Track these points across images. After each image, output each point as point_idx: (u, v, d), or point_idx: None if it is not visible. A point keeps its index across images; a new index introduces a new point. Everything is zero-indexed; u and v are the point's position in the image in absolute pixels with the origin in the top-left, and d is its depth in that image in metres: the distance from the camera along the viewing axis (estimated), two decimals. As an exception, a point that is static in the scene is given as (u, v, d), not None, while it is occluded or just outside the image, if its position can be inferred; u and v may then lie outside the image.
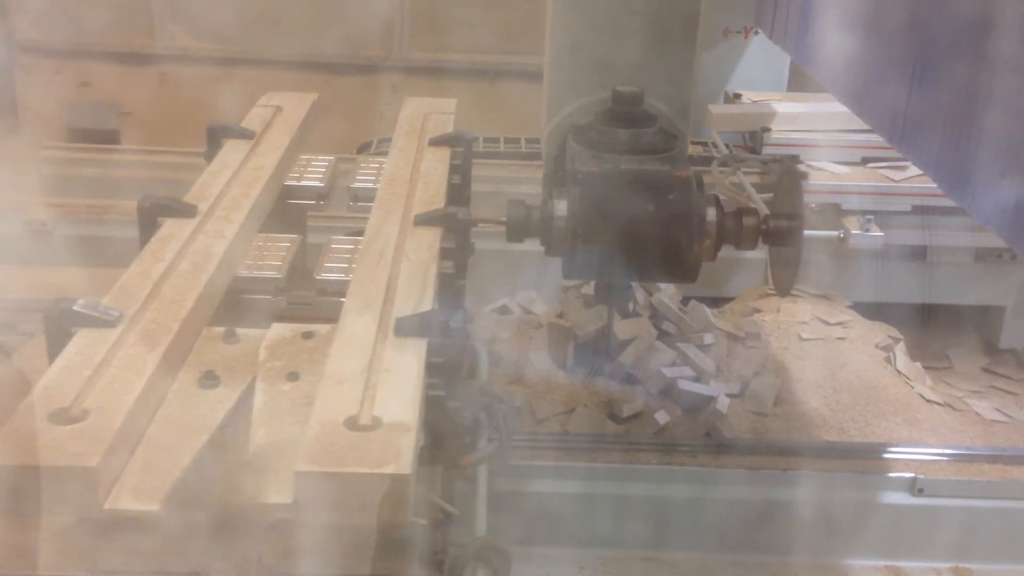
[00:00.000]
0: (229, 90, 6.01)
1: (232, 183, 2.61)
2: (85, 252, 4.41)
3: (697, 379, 4.08)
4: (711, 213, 2.84)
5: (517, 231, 2.89)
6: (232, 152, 2.80)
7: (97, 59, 6.36)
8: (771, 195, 3.20)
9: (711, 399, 3.98)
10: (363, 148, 5.44)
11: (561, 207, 2.85)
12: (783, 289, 3.10)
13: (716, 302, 4.73)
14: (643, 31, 3.31)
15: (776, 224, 2.94)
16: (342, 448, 1.61)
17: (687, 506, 3.73)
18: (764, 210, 3.08)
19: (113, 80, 6.40)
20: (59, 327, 1.90)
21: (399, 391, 1.77)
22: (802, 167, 4.90)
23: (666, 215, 2.81)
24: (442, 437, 1.90)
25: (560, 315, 4.33)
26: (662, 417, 3.92)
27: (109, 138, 6.31)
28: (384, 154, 3.06)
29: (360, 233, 2.45)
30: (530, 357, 4.18)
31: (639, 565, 3.77)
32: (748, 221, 2.91)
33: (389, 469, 1.56)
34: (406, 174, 2.75)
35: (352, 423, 1.68)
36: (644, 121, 3.15)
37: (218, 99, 5.94)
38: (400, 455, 1.59)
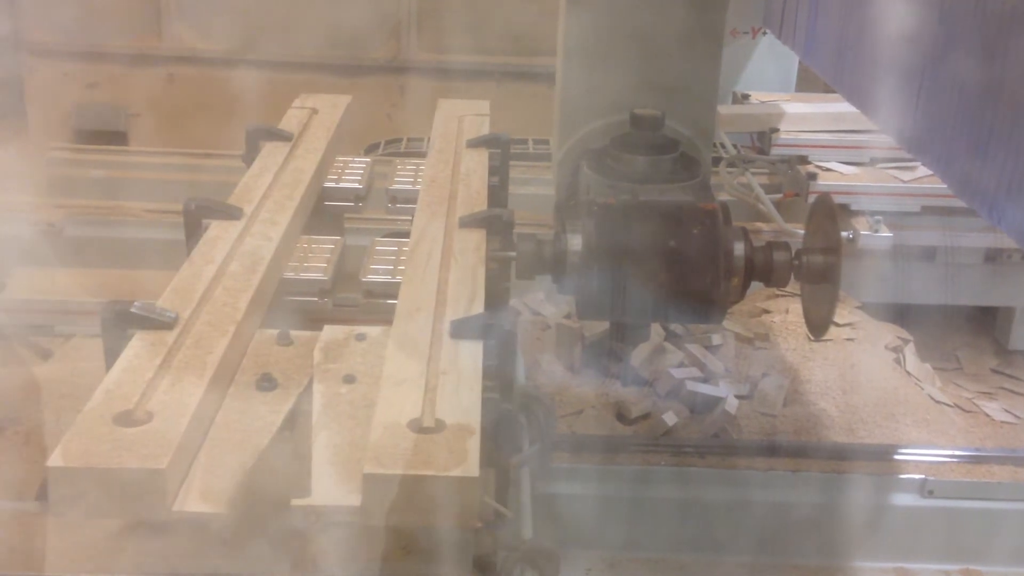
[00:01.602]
0: (236, 91, 6.03)
1: (274, 185, 2.62)
2: (94, 253, 4.42)
3: (706, 380, 4.07)
4: (739, 248, 2.66)
5: (528, 268, 2.71)
6: (271, 154, 2.82)
7: (105, 60, 6.36)
8: (803, 227, 2.99)
9: (720, 400, 3.97)
10: (371, 149, 5.44)
11: (575, 242, 2.68)
12: (818, 330, 2.88)
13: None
14: (664, 47, 3.10)
15: (810, 260, 2.74)
16: (407, 450, 1.61)
17: (695, 508, 3.72)
18: (776, 216, 3.02)
19: (121, 81, 6.41)
20: (116, 329, 1.89)
21: (460, 393, 1.78)
22: (811, 168, 4.88)
23: (690, 251, 2.62)
24: (494, 439, 1.90)
25: (568, 316, 4.33)
26: (670, 418, 3.91)
27: (117, 139, 6.32)
28: (407, 155, 3.07)
29: (401, 234, 2.46)
30: (538, 359, 4.18)
31: (646, 567, 3.76)
32: (779, 256, 2.72)
33: (457, 472, 1.57)
34: (447, 176, 2.76)
35: (416, 425, 1.68)
36: (665, 147, 2.95)
37: (226, 101, 5.96)
38: (466, 457, 1.60)
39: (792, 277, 2.76)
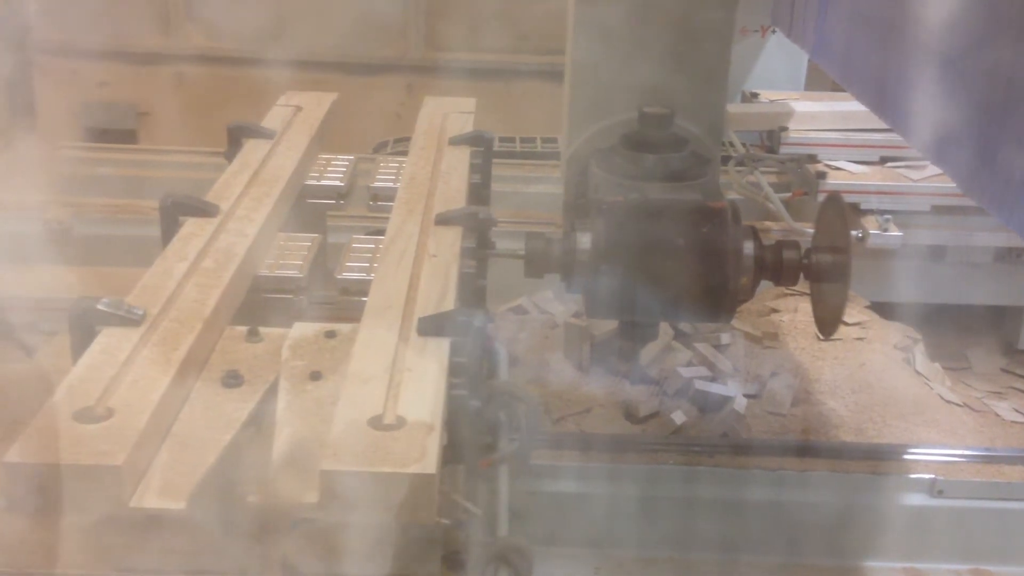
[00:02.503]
0: (245, 90, 6.04)
1: (253, 182, 2.62)
2: (103, 252, 4.43)
3: (714, 379, 4.06)
4: (748, 247, 2.63)
5: (536, 266, 2.70)
6: (252, 152, 2.82)
7: (114, 59, 6.37)
8: (813, 226, 2.95)
9: (728, 399, 3.97)
10: (379, 147, 5.45)
11: (584, 241, 2.65)
12: (827, 330, 2.84)
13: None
14: (673, 44, 3.06)
15: (819, 259, 2.72)
16: (366, 447, 1.61)
17: (704, 507, 3.72)
18: (787, 218, 3.00)
19: (130, 80, 6.42)
20: (83, 325, 1.90)
21: (422, 390, 1.78)
22: (820, 166, 4.87)
23: (699, 250, 2.60)
24: (463, 436, 1.90)
25: (577, 315, 4.32)
26: (679, 417, 3.90)
27: (126, 138, 6.33)
28: (401, 154, 3.07)
29: (381, 232, 2.45)
30: (546, 357, 4.18)
31: (655, 566, 3.75)
32: (789, 255, 2.70)
33: (414, 468, 1.57)
34: (427, 173, 2.76)
35: (376, 422, 1.68)
36: (674, 145, 2.93)
37: (234, 99, 5.96)
38: (424, 454, 1.60)
39: (802, 276, 2.74)
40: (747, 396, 4.03)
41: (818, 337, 4.44)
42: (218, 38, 6.41)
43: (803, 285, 3.09)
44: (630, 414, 3.97)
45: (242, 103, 5.81)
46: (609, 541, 3.74)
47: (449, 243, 2.34)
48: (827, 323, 2.80)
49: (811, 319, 4.48)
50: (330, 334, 2.03)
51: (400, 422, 1.68)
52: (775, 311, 4.67)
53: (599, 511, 3.71)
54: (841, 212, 2.72)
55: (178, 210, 2.38)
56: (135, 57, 6.41)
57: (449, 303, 2.07)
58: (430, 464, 1.58)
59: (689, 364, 4.11)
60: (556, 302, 4.57)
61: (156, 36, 6.40)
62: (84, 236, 4.67)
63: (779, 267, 2.71)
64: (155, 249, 2.30)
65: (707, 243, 2.60)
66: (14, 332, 3.58)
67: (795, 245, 2.73)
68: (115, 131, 6.35)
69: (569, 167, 3.22)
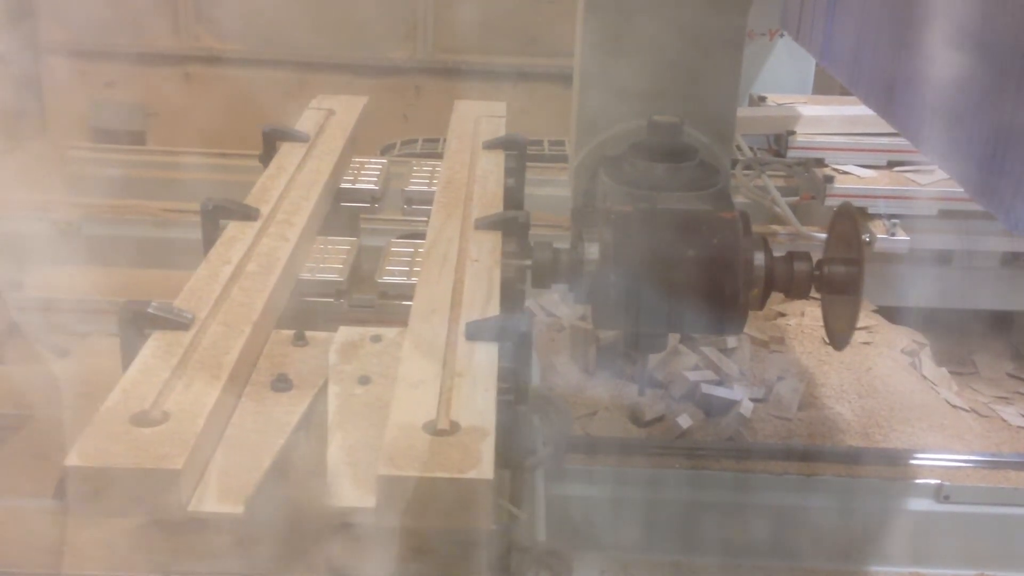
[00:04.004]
0: (253, 91, 6.05)
1: (291, 186, 2.63)
2: (111, 252, 4.44)
3: (720, 383, 4.06)
4: (759, 258, 2.59)
5: (543, 276, 2.65)
6: (288, 155, 2.82)
7: (122, 60, 6.39)
8: (824, 236, 2.90)
9: (735, 403, 3.96)
10: (387, 150, 5.45)
11: (592, 251, 2.62)
12: (839, 343, 2.80)
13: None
14: (683, 51, 3.03)
15: (831, 270, 2.68)
16: (422, 452, 1.61)
17: (710, 511, 3.71)
18: (793, 220, 2.99)
19: (138, 81, 6.44)
20: (133, 329, 1.90)
21: (475, 396, 1.77)
22: (827, 170, 4.87)
23: (709, 261, 2.56)
24: (509, 441, 1.90)
25: (583, 318, 4.33)
26: (685, 421, 3.90)
27: (134, 139, 6.35)
28: (426, 156, 3.07)
29: (417, 236, 2.46)
30: (552, 360, 4.18)
31: (661, 570, 3.75)
32: (800, 267, 2.65)
33: (471, 474, 1.57)
34: (463, 177, 2.76)
35: (430, 427, 1.67)
36: (684, 154, 2.89)
37: (243, 100, 5.98)
38: (481, 460, 1.60)
39: (812, 288, 2.70)
40: (753, 400, 4.02)
41: (824, 341, 4.44)
42: (226, 39, 6.42)
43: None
44: (636, 418, 3.97)
45: (249, 105, 5.84)
46: (614, 544, 3.74)
47: (490, 248, 2.34)
48: (839, 336, 2.77)
49: (818, 323, 4.50)
50: (376, 338, 2.03)
51: (454, 427, 1.67)
52: (781, 315, 4.67)
53: (605, 514, 3.71)
54: (854, 222, 2.69)
55: (219, 213, 2.38)
56: (144, 58, 6.43)
57: (494, 308, 2.06)
58: (487, 470, 1.57)
59: (695, 368, 4.11)
60: (562, 305, 4.57)
61: (165, 37, 6.42)
62: (92, 236, 4.68)
63: (790, 279, 2.67)
64: (162, 250, 2.31)
65: (717, 254, 2.57)
66: (16, 331, 3.60)
67: (806, 256, 2.69)
68: (123, 132, 6.37)
69: (577, 175, 3.20)
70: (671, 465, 3.74)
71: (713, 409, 3.99)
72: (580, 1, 3.19)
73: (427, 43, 6.45)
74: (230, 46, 6.38)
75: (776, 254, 2.67)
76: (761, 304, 2.65)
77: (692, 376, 4.05)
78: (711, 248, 2.57)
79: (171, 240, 4.46)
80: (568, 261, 2.65)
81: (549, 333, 4.38)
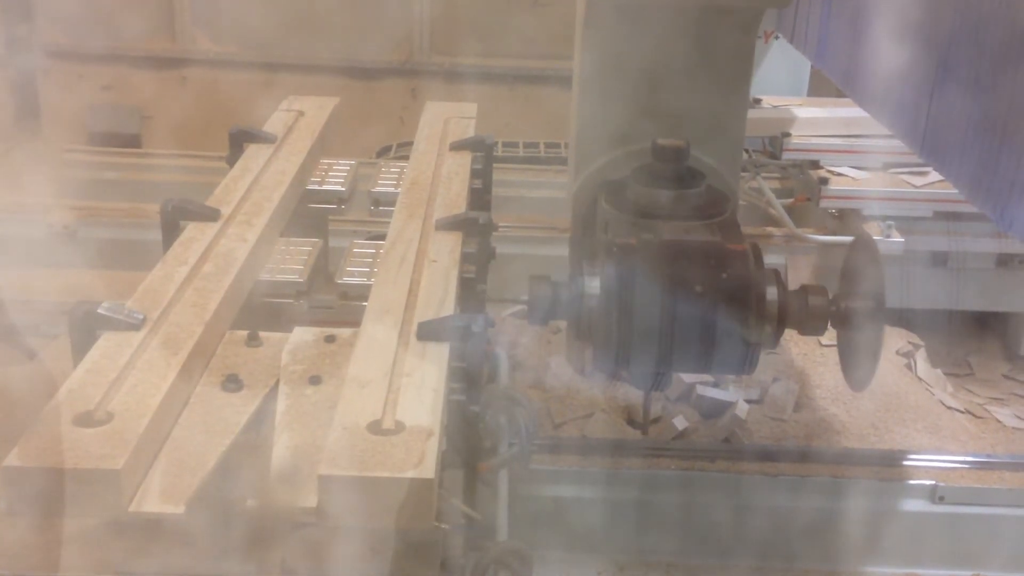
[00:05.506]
0: (249, 94, 6.05)
1: (254, 187, 2.63)
2: (107, 255, 4.44)
3: (716, 385, 4.07)
4: (772, 293, 2.45)
5: (542, 313, 2.52)
6: (254, 156, 2.82)
7: (119, 63, 6.39)
8: (841, 273, 2.71)
9: (730, 405, 3.97)
10: (383, 152, 5.46)
11: (592, 285, 2.48)
12: (858, 384, 2.63)
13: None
14: (690, 69, 2.83)
15: (848, 305, 2.52)
16: (365, 452, 1.61)
17: (706, 512, 3.72)
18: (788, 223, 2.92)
19: (135, 84, 6.44)
20: (83, 329, 1.90)
21: (421, 395, 1.78)
22: (822, 172, 4.87)
23: (719, 296, 2.40)
24: (463, 441, 1.90)
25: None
26: (680, 422, 3.91)
27: (131, 142, 6.35)
28: (403, 159, 3.07)
29: (382, 237, 2.46)
30: (549, 362, 4.18)
31: (656, 571, 3.76)
32: (815, 302, 2.50)
33: (412, 473, 1.57)
34: (427, 178, 2.76)
35: (375, 427, 1.68)
36: (690, 180, 2.70)
37: (239, 103, 5.97)
38: (423, 459, 1.60)
39: (828, 324, 2.54)
40: (748, 401, 4.03)
41: (820, 343, 4.45)
42: (222, 43, 6.42)
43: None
44: (632, 419, 3.98)
45: (245, 108, 5.84)
46: (610, 546, 3.75)
47: (449, 248, 2.34)
48: (857, 376, 2.60)
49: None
50: (330, 339, 2.04)
51: (399, 427, 1.68)
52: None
53: (600, 516, 3.71)
54: (873, 255, 2.53)
55: (179, 214, 2.39)
56: (140, 61, 6.43)
57: (449, 308, 2.07)
58: (428, 469, 1.58)
59: (691, 369, 4.11)
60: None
61: (161, 40, 6.42)
62: (87, 239, 4.68)
63: (804, 314, 2.51)
64: (159, 253, 2.31)
65: (727, 289, 2.41)
66: (15, 334, 3.60)
67: (822, 291, 2.53)
68: (119, 135, 6.37)
69: (576, 201, 3.00)
70: (667, 466, 3.74)
71: (709, 410, 4.00)
72: (579, 16, 3.00)
73: (424, 46, 6.46)
74: (226, 49, 6.39)
75: (790, 288, 2.51)
76: (774, 342, 2.51)
77: (688, 378, 4.05)
78: (721, 283, 2.41)
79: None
80: (567, 297, 2.52)
81: (546, 335, 4.39)
